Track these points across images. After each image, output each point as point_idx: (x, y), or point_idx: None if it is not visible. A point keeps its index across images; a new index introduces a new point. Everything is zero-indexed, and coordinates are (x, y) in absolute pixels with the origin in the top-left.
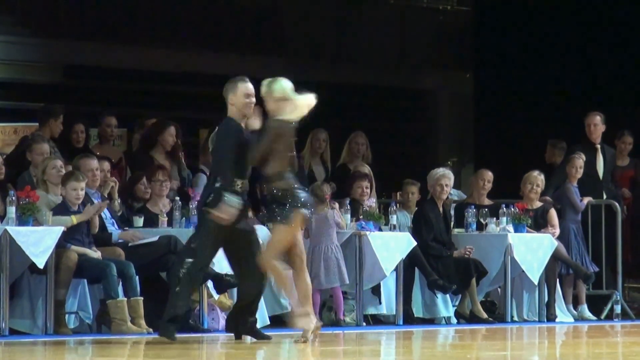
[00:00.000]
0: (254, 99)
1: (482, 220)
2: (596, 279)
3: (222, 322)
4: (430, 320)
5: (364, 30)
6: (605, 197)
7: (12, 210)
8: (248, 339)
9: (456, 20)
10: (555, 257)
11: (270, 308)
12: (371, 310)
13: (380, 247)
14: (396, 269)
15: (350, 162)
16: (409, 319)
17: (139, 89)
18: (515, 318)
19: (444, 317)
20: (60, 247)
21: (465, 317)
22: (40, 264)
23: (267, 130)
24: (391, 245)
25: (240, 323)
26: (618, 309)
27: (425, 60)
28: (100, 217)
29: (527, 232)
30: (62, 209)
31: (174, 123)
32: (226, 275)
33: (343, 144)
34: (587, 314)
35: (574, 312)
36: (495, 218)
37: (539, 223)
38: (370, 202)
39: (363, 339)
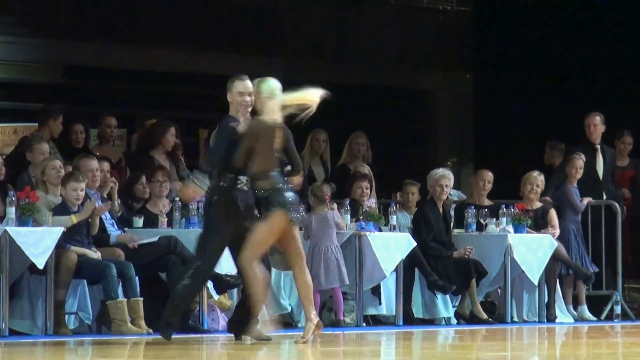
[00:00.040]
0: (248, 98)
1: (482, 220)
2: (596, 279)
3: (222, 323)
4: (430, 321)
5: (363, 31)
6: (605, 197)
7: (11, 211)
8: (248, 339)
9: (456, 20)
10: (555, 257)
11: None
12: (371, 311)
13: (380, 248)
14: (396, 270)
15: (350, 163)
16: (409, 319)
17: (138, 89)
18: (515, 318)
19: (444, 318)
20: (60, 247)
21: (465, 317)
22: (40, 264)
23: (247, 130)
24: (391, 246)
25: (243, 324)
26: (618, 309)
27: (425, 61)
28: (100, 217)
29: (527, 232)
30: (61, 210)
31: (174, 123)
32: (226, 275)
33: (343, 145)
34: (587, 314)
35: (574, 312)
36: (495, 218)
37: (539, 223)
38: (370, 202)
39: (363, 340)
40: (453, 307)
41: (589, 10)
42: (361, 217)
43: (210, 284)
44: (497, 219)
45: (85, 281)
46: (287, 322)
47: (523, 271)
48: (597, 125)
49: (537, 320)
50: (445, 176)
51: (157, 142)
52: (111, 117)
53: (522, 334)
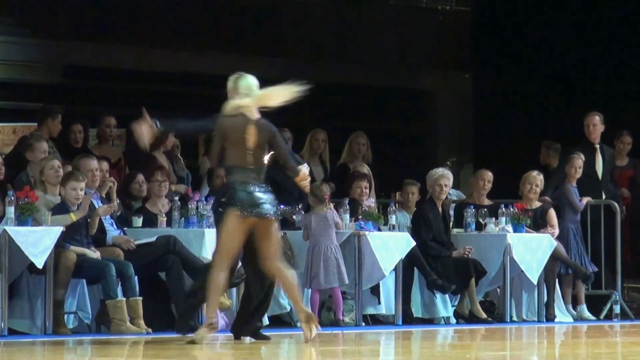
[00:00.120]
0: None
1: (481, 220)
2: (595, 279)
3: (221, 323)
4: (430, 320)
5: (363, 31)
6: (604, 197)
7: (11, 210)
8: (247, 339)
9: (455, 20)
10: (555, 257)
11: (270, 308)
12: (370, 310)
13: (379, 247)
14: (395, 269)
15: (350, 162)
16: (408, 319)
17: (138, 89)
18: (515, 318)
19: (443, 317)
20: (59, 247)
21: (465, 317)
22: (39, 264)
23: (218, 126)
24: (390, 246)
25: (245, 325)
26: (617, 309)
27: (424, 61)
28: (99, 218)
29: (526, 232)
30: (61, 209)
31: None
32: None
33: (342, 144)
34: (586, 314)
35: (573, 312)
36: (494, 218)
37: (538, 223)
38: (370, 202)
39: (362, 339)
40: (452, 306)
41: (589, 10)
42: (360, 217)
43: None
44: (497, 218)
45: (84, 281)
46: (286, 321)
47: (522, 271)
48: (596, 125)
49: (536, 319)
50: (444, 176)
51: (158, 142)
52: (110, 117)
53: (522, 333)
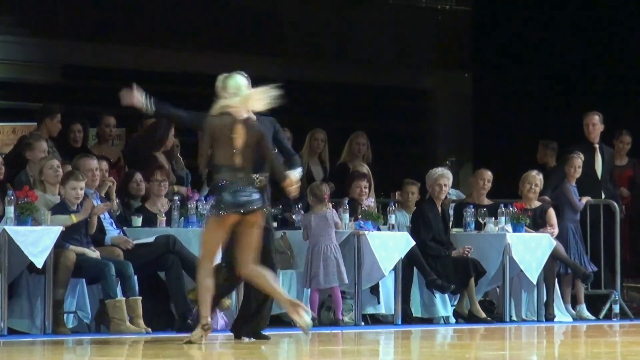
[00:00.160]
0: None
1: (480, 220)
2: (595, 278)
3: (220, 322)
4: (429, 320)
5: (363, 30)
6: (603, 196)
7: (10, 210)
8: (246, 338)
9: (455, 20)
10: (554, 256)
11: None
12: (370, 310)
13: (378, 247)
14: (395, 269)
15: (350, 162)
16: (408, 318)
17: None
18: (514, 318)
19: (443, 317)
20: (59, 246)
21: (464, 316)
22: (39, 263)
23: (206, 125)
24: (390, 245)
25: (245, 325)
26: (616, 308)
27: (424, 60)
28: (98, 217)
29: (526, 231)
30: (61, 209)
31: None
32: None
33: (341, 144)
34: (586, 313)
35: (573, 311)
36: (493, 218)
37: (538, 223)
38: (369, 201)
39: (362, 339)
40: (452, 306)
41: (589, 10)
42: (360, 217)
43: None
44: (496, 218)
45: (84, 280)
46: (286, 320)
47: (522, 270)
48: (595, 124)
49: (535, 319)
50: (444, 175)
51: (159, 141)
52: (110, 116)
53: (521, 333)
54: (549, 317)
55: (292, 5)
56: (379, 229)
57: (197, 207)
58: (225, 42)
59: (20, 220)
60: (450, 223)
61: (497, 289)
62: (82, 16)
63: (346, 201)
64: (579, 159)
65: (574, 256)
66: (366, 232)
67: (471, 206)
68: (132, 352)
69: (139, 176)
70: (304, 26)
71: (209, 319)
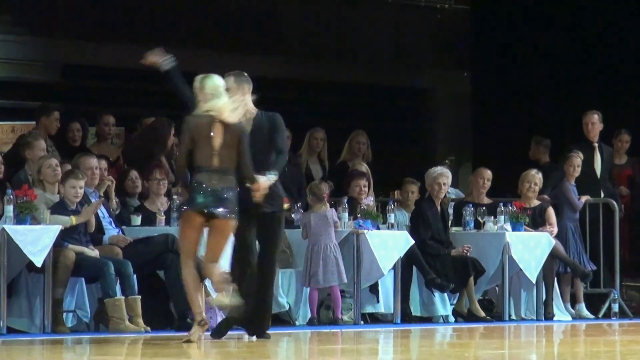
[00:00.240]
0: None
1: (479, 218)
2: (594, 277)
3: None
4: (428, 319)
5: (362, 30)
6: (602, 195)
7: (9, 209)
8: (246, 337)
9: (454, 18)
10: (553, 255)
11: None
12: (369, 309)
13: (378, 246)
14: (394, 268)
15: (350, 161)
16: (407, 317)
17: (137, 88)
18: (513, 316)
19: (442, 316)
20: (58, 245)
21: (463, 315)
22: (38, 262)
23: (185, 125)
24: (389, 244)
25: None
26: (616, 307)
27: (423, 59)
28: (97, 216)
29: (525, 230)
30: (60, 208)
31: (173, 122)
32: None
33: (341, 143)
34: (585, 312)
35: (572, 310)
36: (493, 217)
37: (537, 221)
38: (368, 200)
39: (361, 338)
40: (451, 305)
41: (588, 10)
42: (359, 215)
43: (208, 283)
44: (495, 217)
45: (83, 279)
46: (285, 319)
47: (521, 269)
48: (595, 123)
49: (534, 318)
50: (443, 174)
51: (160, 140)
52: (109, 115)
53: (520, 331)
54: (548, 316)
55: (292, 5)
56: (378, 228)
57: None
58: (225, 42)
59: (19, 219)
60: (450, 222)
61: (497, 288)
62: (82, 16)
63: (345, 200)
64: (578, 158)
65: (573, 255)
66: (365, 231)
67: (470, 205)
68: (131, 351)
69: (134, 173)
70: (304, 26)
71: (203, 315)
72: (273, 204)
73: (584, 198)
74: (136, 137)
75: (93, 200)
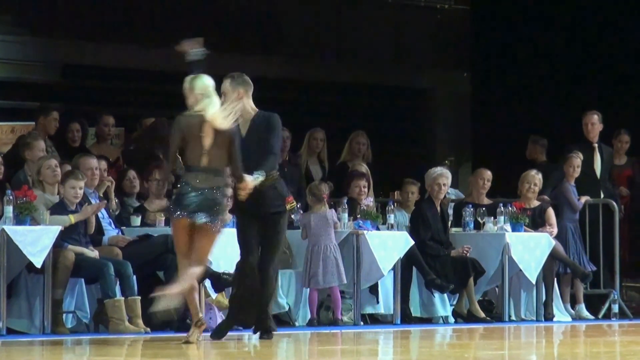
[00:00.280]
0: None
1: (479, 219)
2: (594, 278)
3: (219, 321)
4: (428, 320)
5: (361, 30)
6: (602, 196)
7: (9, 210)
8: (246, 337)
9: (454, 19)
10: (553, 256)
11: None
12: (369, 310)
13: (377, 247)
14: (394, 268)
15: (350, 161)
16: (407, 318)
17: (137, 89)
18: (513, 317)
19: (442, 317)
20: (58, 246)
21: (463, 316)
22: (38, 263)
23: (174, 124)
24: (389, 245)
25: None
26: (616, 308)
27: (422, 60)
28: (96, 217)
29: (525, 231)
30: (60, 208)
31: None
32: (224, 274)
33: (340, 143)
34: (585, 313)
35: (572, 311)
36: (492, 217)
37: (537, 222)
38: (368, 201)
39: (361, 339)
40: (451, 305)
41: (588, 10)
42: (359, 216)
43: (208, 283)
44: (495, 217)
45: (82, 280)
46: (285, 320)
47: (521, 270)
48: (594, 123)
49: (534, 319)
50: (443, 175)
51: (160, 141)
52: (109, 116)
53: (520, 332)
54: (548, 317)
55: (292, 5)
56: (378, 229)
57: None
58: (225, 42)
59: (19, 220)
60: (450, 222)
61: (496, 289)
62: (82, 16)
63: (345, 201)
64: (578, 159)
65: (573, 256)
66: (365, 232)
67: (470, 206)
68: (131, 351)
69: (132, 173)
70: (304, 26)
71: (200, 315)
72: (275, 204)
73: (584, 199)
74: (136, 137)
75: (93, 201)
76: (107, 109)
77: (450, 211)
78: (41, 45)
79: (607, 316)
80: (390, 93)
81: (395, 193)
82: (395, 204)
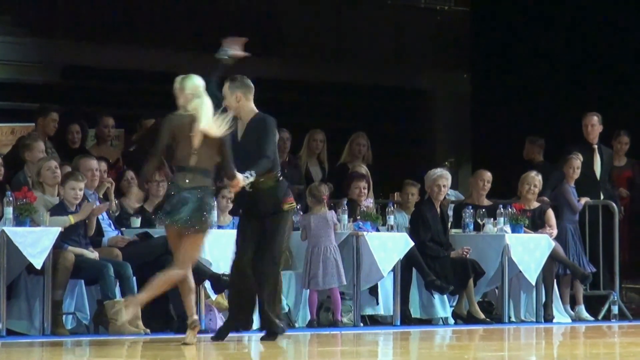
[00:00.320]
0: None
1: (479, 220)
2: (593, 279)
3: (219, 323)
4: (428, 321)
5: (361, 31)
6: (602, 197)
7: (9, 211)
8: (246, 338)
9: (454, 20)
10: (553, 257)
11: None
12: (368, 311)
13: (377, 248)
14: (393, 270)
15: (350, 162)
16: (407, 319)
17: (137, 89)
18: (513, 318)
19: (442, 318)
20: (58, 247)
21: (463, 317)
22: (38, 264)
23: (164, 124)
24: (389, 246)
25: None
26: (615, 309)
27: (422, 61)
28: (97, 218)
29: (525, 232)
30: (59, 210)
31: None
32: (223, 275)
33: (339, 144)
34: (585, 314)
35: (571, 312)
36: (492, 218)
37: (537, 223)
38: (368, 202)
39: (360, 340)
40: (450, 307)
41: (587, 11)
42: (359, 217)
43: (207, 284)
44: (495, 219)
45: (82, 281)
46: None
47: (520, 271)
48: (594, 125)
49: (534, 320)
50: (442, 176)
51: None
52: (108, 117)
53: (520, 334)
54: (548, 318)
55: (292, 5)
56: (377, 230)
57: None
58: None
59: (19, 221)
60: (449, 224)
61: (496, 290)
62: (81, 16)
63: (345, 202)
64: (577, 160)
65: (573, 257)
66: (365, 233)
67: (470, 207)
68: (130, 353)
69: (130, 174)
70: (303, 26)
71: (194, 317)
72: (275, 204)
73: (584, 200)
74: (136, 138)
75: (93, 202)
76: (107, 110)
77: (450, 212)
78: (41, 46)
79: (607, 317)
80: (390, 94)
81: (395, 194)
82: (395, 205)
